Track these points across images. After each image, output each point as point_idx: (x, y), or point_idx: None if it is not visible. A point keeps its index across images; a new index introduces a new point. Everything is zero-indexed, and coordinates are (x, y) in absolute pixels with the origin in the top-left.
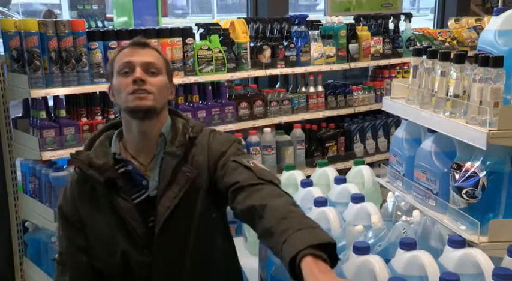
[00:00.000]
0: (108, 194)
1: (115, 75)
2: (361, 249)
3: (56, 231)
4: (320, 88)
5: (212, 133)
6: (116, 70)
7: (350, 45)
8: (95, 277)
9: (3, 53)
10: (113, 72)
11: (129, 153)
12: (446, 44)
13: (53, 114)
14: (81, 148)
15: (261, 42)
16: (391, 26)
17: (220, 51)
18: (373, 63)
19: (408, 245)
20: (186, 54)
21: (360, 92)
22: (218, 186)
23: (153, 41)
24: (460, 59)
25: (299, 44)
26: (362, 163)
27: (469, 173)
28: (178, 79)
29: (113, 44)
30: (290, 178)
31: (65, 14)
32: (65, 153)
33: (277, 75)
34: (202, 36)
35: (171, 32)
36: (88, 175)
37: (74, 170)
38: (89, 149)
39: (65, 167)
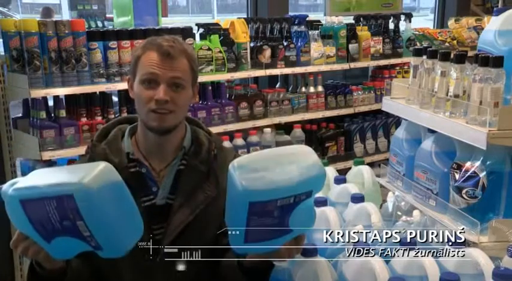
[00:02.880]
0: None
1: (137, 79)
2: (361, 250)
3: None
4: (320, 88)
5: (236, 154)
6: (138, 74)
7: (350, 45)
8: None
9: (3, 53)
10: (135, 71)
11: (141, 153)
12: (446, 44)
13: (53, 114)
14: (83, 148)
15: (261, 42)
16: (391, 26)
17: (220, 51)
18: (373, 63)
19: (408, 245)
20: None
21: (360, 92)
22: None
23: None
24: (460, 59)
25: (299, 44)
26: (362, 163)
27: (469, 173)
28: None
29: (113, 44)
30: None
31: (65, 14)
32: (65, 153)
33: (277, 75)
34: (202, 36)
35: (171, 32)
36: None
37: (86, 158)
38: (102, 140)
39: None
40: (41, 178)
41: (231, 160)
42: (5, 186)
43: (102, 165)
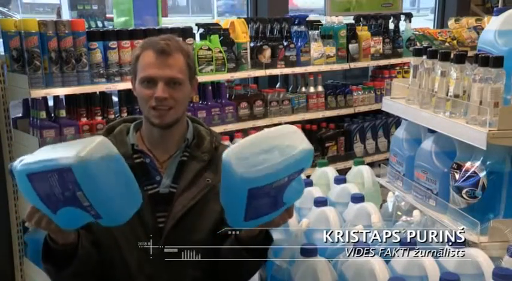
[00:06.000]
0: None
1: (138, 78)
2: (361, 250)
3: None
4: (320, 88)
5: None
6: (138, 74)
7: (350, 45)
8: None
9: (3, 53)
10: (136, 70)
11: (145, 145)
12: (446, 44)
13: (53, 114)
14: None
15: (261, 42)
16: (391, 26)
17: (220, 51)
18: (373, 63)
19: (408, 245)
20: None
21: (360, 92)
22: None
23: None
24: (460, 59)
25: (299, 44)
26: (362, 163)
27: (469, 173)
28: None
29: (113, 44)
30: None
31: (65, 14)
32: None
33: (277, 75)
34: (202, 36)
35: (171, 32)
36: None
37: None
38: (107, 135)
39: None
40: (45, 153)
41: None
42: (15, 163)
43: (99, 138)
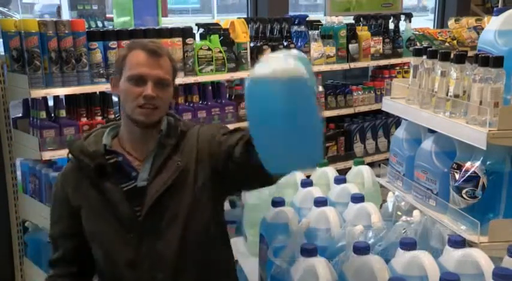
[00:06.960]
0: (97, 180)
1: (125, 76)
2: (362, 249)
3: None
4: (320, 88)
5: (201, 125)
6: (126, 73)
7: (350, 45)
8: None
9: (3, 53)
10: (122, 70)
11: (124, 148)
12: (446, 44)
13: (53, 114)
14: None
15: (261, 42)
16: (391, 26)
17: (220, 51)
18: (373, 63)
19: (408, 245)
20: (186, 54)
21: (360, 92)
22: (219, 162)
23: None
24: (460, 59)
25: (299, 44)
26: (362, 163)
27: (469, 173)
28: (179, 79)
29: (113, 44)
30: (290, 178)
31: (65, 14)
32: (65, 153)
33: None
34: (202, 36)
35: (171, 32)
36: (79, 161)
37: (68, 158)
38: (84, 140)
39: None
40: None
41: (197, 129)
42: None
43: None
